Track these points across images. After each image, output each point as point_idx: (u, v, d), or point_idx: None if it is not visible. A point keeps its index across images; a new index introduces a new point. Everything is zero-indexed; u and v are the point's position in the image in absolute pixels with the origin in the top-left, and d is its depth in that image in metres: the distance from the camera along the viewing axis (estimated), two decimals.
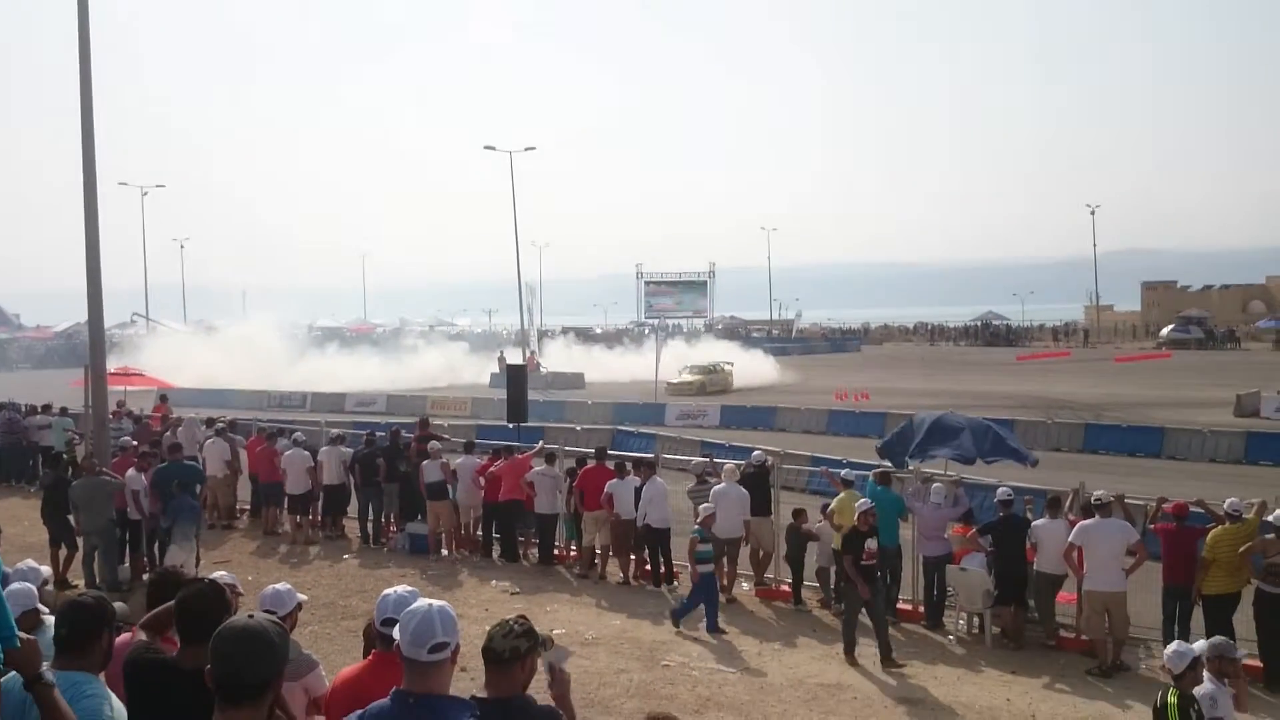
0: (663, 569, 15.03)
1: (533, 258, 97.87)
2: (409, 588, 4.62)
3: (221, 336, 61.75)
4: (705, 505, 13.83)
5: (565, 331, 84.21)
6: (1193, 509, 11.99)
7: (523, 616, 4.09)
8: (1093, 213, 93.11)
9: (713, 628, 12.88)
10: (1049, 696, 10.74)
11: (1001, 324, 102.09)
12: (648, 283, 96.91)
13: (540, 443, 18.37)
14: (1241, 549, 11.15)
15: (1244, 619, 11.29)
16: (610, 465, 15.91)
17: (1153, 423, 31.69)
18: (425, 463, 17.03)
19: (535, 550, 16.68)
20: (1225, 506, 11.58)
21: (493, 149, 57.17)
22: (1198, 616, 11.54)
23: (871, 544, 11.95)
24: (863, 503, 12.44)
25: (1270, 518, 11.26)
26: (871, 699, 10.61)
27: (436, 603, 3.81)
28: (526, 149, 59.54)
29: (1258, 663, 11.10)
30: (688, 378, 49.75)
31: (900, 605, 13.68)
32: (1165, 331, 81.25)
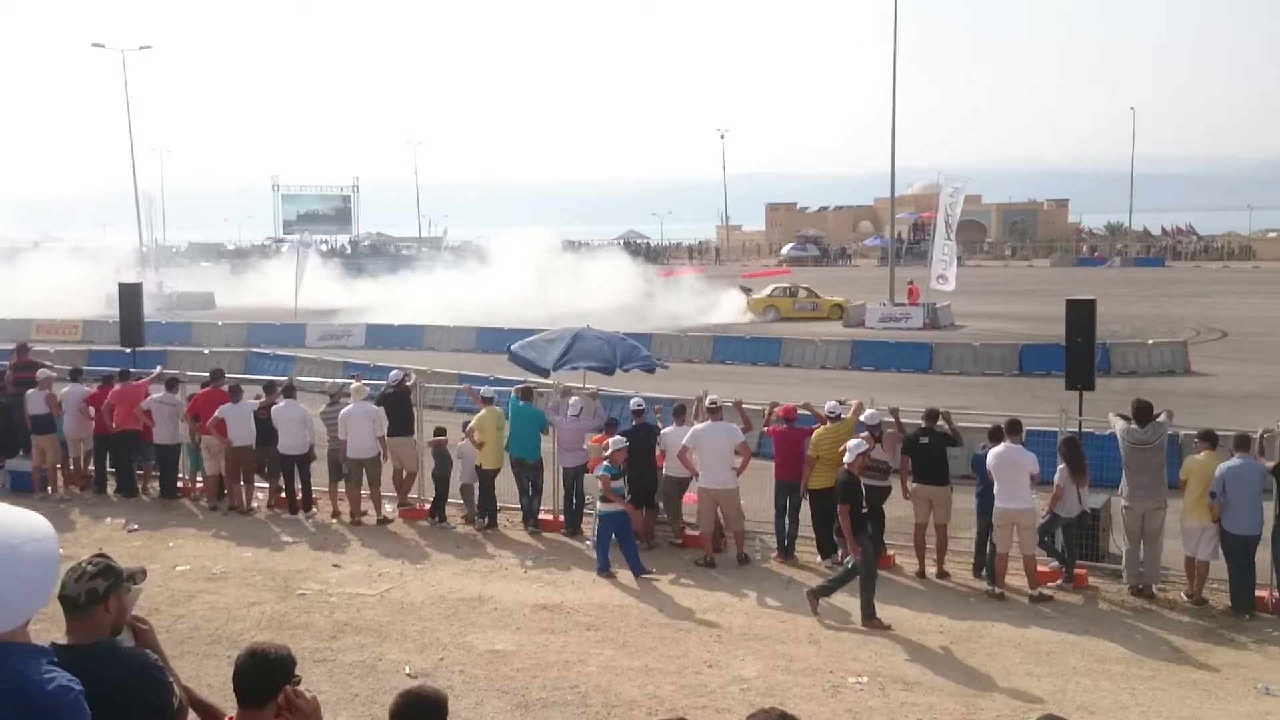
0: (299, 496, 14.48)
1: (153, 166, 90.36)
2: None
3: None
4: (616, 439, 12.37)
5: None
6: (800, 411, 13.00)
7: (100, 555, 3.70)
8: (722, 137, 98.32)
9: (638, 570, 11.84)
10: (675, 591, 11.39)
11: (642, 242, 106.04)
12: (285, 196, 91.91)
13: (159, 368, 17.06)
14: (840, 447, 12.22)
15: None
16: (226, 389, 15.06)
17: (772, 334, 34.12)
18: (30, 392, 15.37)
19: (156, 483, 15.58)
20: (825, 409, 12.64)
21: (102, 47, 52.14)
22: (806, 509, 12.62)
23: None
24: (855, 443, 10.96)
25: (864, 417, 12.40)
26: (510, 608, 10.80)
27: None
28: (141, 48, 54.71)
29: None
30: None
31: (542, 516, 13.97)
32: (786, 250, 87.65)
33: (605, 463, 12.13)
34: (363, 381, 15.11)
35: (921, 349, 30.50)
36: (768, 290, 45.10)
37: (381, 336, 36.52)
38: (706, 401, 13.04)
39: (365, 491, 14.29)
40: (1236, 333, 35.34)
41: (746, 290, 45.84)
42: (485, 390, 14.75)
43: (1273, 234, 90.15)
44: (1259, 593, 10.75)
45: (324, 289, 50.25)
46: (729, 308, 43.96)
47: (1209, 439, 11.25)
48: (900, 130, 41.39)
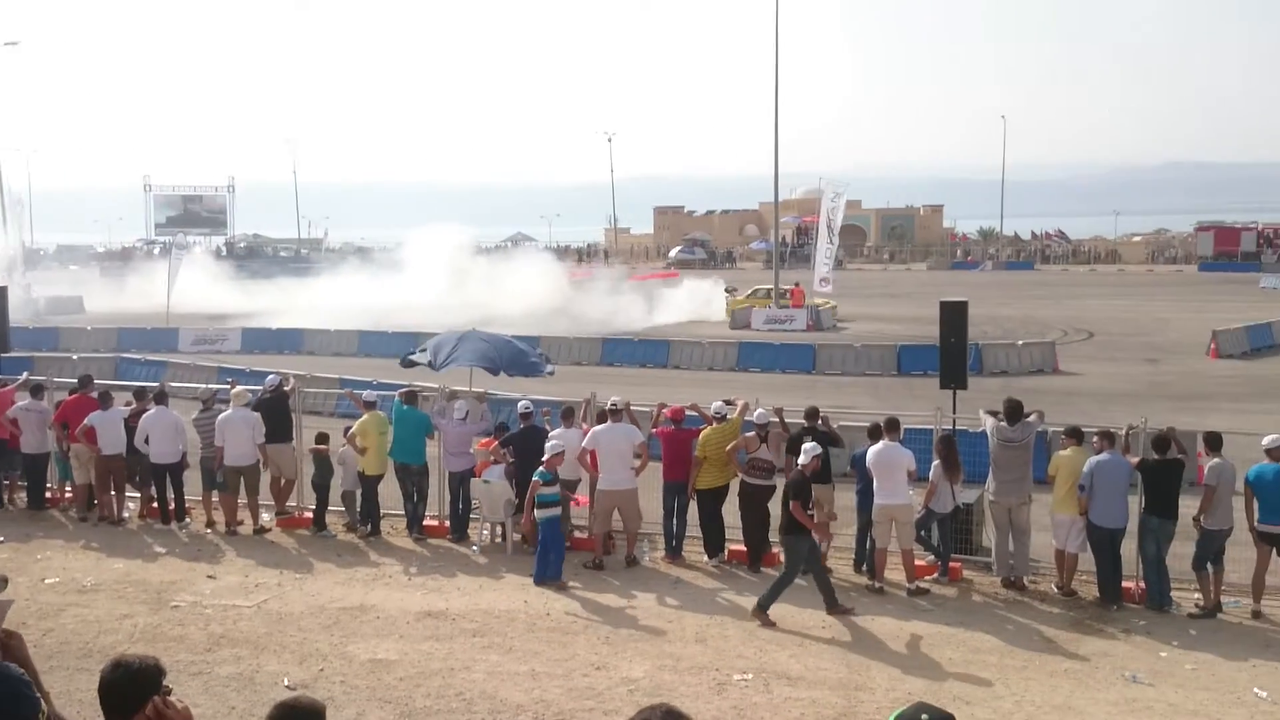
0: (171, 505, 14.01)
1: (18, 167, 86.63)
2: None
3: None
4: (553, 444, 12.06)
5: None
6: (688, 412, 13.09)
7: None
8: (610, 140, 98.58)
9: (556, 574, 11.60)
10: (563, 596, 11.36)
11: (530, 245, 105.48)
12: (157, 196, 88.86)
13: (25, 374, 16.34)
14: (728, 447, 12.36)
15: (732, 509, 12.58)
16: (95, 395, 14.51)
17: (661, 336, 34.32)
18: None
19: (24, 494, 14.94)
20: (712, 409, 12.76)
21: None
22: (694, 510, 12.70)
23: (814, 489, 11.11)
24: (810, 445, 11.08)
25: (752, 417, 12.55)
26: (393, 616, 10.63)
27: None
28: (7, 44, 52.63)
29: (743, 547, 12.46)
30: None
31: (427, 522, 13.78)
32: (673, 253, 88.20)
33: (541, 468, 11.84)
34: (241, 387, 14.71)
35: (805, 350, 31.06)
36: (749, 291, 44.97)
37: (258, 340, 35.66)
38: (607, 403, 13.02)
39: (242, 500, 13.90)
40: (1102, 333, 36.84)
41: (731, 291, 45.58)
42: (368, 394, 14.52)
43: (1137, 238, 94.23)
44: (1125, 584, 11.21)
45: (215, 293, 48.82)
46: (668, 311, 43.71)
47: (1076, 435, 11.69)
48: (784, 136, 42.05)
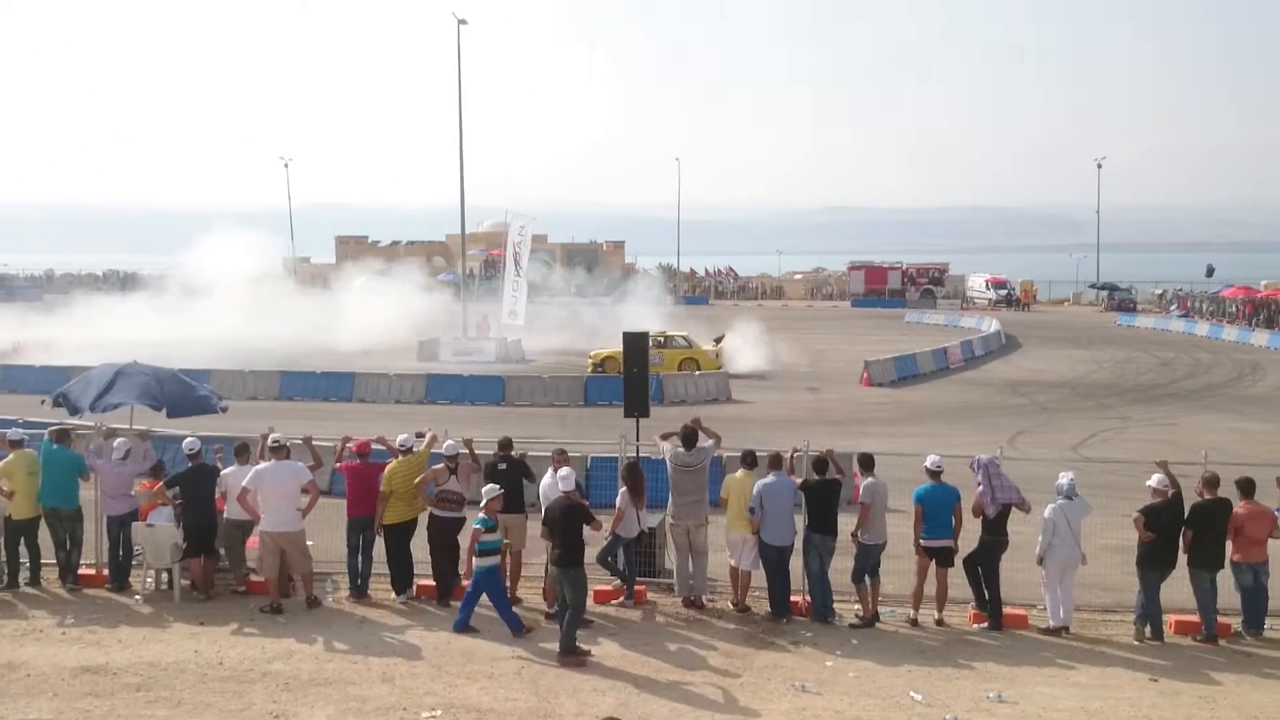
0: None
1: None
2: None
3: None
4: (490, 487, 11.32)
5: None
6: (374, 446, 12.77)
7: None
8: (286, 166, 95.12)
9: (518, 628, 10.99)
10: (237, 643, 10.76)
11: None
12: None
13: None
14: (416, 480, 12.15)
15: (420, 544, 12.35)
16: None
17: (345, 368, 33.30)
18: None
19: None
20: (398, 442, 12.51)
21: None
22: (380, 545, 12.38)
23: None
24: (566, 471, 11.12)
25: (443, 449, 12.40)
26: (46, 673, 9.75)
27: None
28: None
29: (431, 582, 12.26)
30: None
31: (82, 571, 12.68)
32: (358, 284, 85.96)
33: (481, 514, 11.11)
34: None
35: (495, 382, 31.15)
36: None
37: None
38: (269, 440, 12.44)
39: None
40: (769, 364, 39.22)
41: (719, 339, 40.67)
42: (13, 433, 13.20)
43: (798, 276, 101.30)
44: (793, 598, 11.94)
45: None
46: None
47: (747, 460, 12.36)
48: (470, 170, 42.09)
